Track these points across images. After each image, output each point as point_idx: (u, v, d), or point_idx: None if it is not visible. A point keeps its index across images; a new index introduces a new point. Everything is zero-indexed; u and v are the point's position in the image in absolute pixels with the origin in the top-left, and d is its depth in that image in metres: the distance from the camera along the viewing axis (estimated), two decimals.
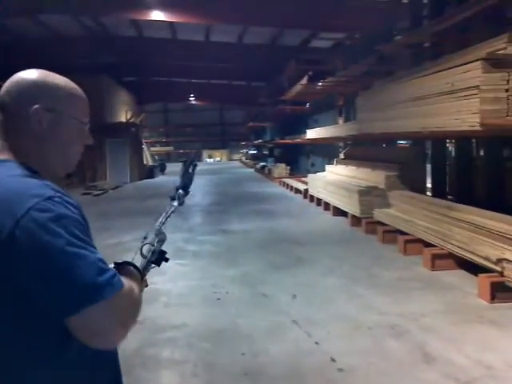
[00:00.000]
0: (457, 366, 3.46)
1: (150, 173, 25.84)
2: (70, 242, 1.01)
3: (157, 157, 35.49)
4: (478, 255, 5.23)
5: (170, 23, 17.36)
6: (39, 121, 1.16)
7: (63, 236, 1.00)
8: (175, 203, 1.51)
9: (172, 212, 1.47)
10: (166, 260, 1.39)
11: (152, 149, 38.30)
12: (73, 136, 1.23)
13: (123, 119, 26.61)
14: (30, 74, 1.19)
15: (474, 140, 8.35)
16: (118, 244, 7.90)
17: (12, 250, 0.99)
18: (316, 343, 3.94)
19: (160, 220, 1.42)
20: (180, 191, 1.54)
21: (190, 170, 1.59)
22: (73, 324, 1.01)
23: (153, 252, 1.36)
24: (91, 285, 1.00)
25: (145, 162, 27.35)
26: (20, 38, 17.39)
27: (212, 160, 49.54)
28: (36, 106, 1.16)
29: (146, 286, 1.35)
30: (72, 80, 1.26)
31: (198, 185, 20.18)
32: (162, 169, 29.15)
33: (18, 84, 1.17)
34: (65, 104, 1.21)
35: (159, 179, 25.33)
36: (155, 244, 1.36)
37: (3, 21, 15.52)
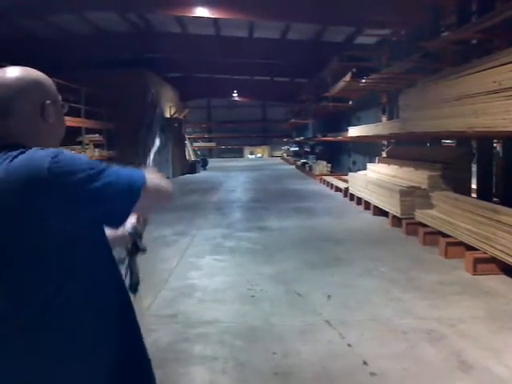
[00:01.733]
0: (495, 376, 3.33)
1: (192, 168, 26.08)
2: (93, 167, 1.19)
3: (199, 152, 35.88)
4: None
5: (214, 20, 17.47)
6: (50, 115, 1.31)
7: (86, 168, 1.18)
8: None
9: None
10: None
11: (195, 144, 38.73)
12: (63, 119, 1.41)
13: (167, 115, 27.02)
14: (25, 72, 1.30)
15: None
16: (158, 237, 8.05)
17: (61, 199, 1.15)
18: (349, 345, 3.89)
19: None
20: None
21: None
22: (141, 204, 1.26)
23: None
24: (134, 174, 1.27)
25: (187, 158, 27.66)
26: (67, 34, 17.84)
27: (253, 156, 49.68)
28: (48, 102, 1.30)
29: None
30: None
31: (239, 181, 20.27)
32: (204, 164, 29.45)
33: (17, 82, 1.26)
34: (55, 94, 1.37)
35: (201, 174, 25.60)
36: None
37: (49, 17, 15.94)
